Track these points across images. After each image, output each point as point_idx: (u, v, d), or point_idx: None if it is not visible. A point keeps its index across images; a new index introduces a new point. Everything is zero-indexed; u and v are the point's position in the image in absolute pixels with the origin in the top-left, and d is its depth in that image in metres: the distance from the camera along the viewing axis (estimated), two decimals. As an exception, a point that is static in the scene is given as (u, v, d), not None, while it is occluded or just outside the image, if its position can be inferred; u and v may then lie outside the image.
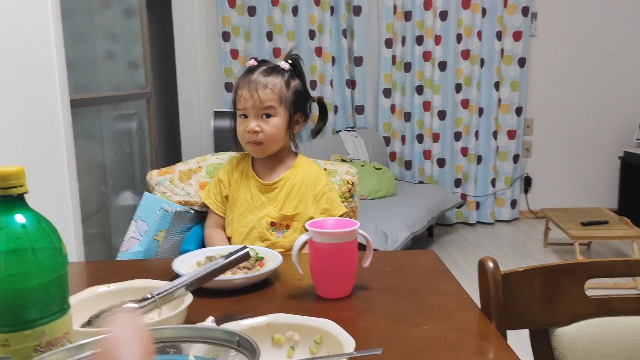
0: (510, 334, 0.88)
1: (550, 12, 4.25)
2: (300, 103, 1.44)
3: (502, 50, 4.16)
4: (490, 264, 0.87)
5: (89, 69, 2.37)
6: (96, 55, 2.48)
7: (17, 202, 0.58)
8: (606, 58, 4.31)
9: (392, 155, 4.35)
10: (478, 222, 4.34)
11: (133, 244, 1.39)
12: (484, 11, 4.10)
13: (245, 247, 0.91)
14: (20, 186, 0.58)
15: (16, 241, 0.57)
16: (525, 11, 4.11)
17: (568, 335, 0.89)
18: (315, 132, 1.51)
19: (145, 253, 1.37)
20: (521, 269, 0.90)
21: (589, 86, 4.35)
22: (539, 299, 0.89)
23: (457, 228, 4.26)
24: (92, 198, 2.28)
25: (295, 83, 1.43)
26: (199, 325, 0.62)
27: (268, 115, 1.38)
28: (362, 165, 3.71)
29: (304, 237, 0.96)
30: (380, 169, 3.75)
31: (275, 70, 1.41)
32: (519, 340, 0.98)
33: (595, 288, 0.92)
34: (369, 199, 3.58)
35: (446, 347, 0.79)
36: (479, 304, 0.91)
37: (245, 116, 1.40)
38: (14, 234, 0.57)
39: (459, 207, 4.05)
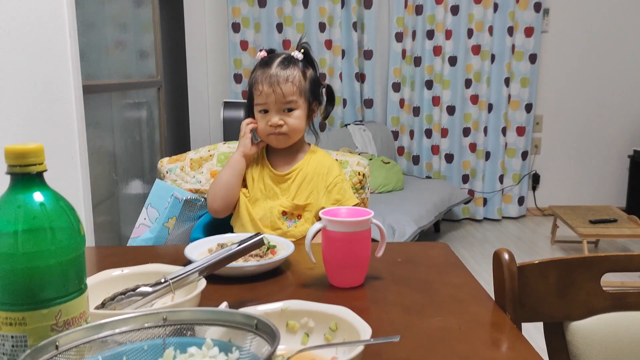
0: (524, 326, 0.88)
1: (563, 8, 4.22)
2: (315, 91, 1.44)
3: (513, 46, 4.13)
4: (506, 256, 0.87)
5: (99, 58, 2.37)
6: (107, 44, 2.48)
7: (36, 180, 0.58)
8: (618, 56, 4.27)
9: (400, 150, 4.33)
10: (485, 219, 4.33)
11: (143, 230, 1.39)
12: (495, 6, 4.07)
13: (259, 234, 0.91)
14: (39, 164, 0.57)
15: (34, 220, 0.57)
16: (537, 7, 4.08)
17: (583, 329, 0.88)
18: (324, 118, 1.51)
19: (156, 240, 1.37)
20: (536, 262, 0.89)
21: (599, 84, 4.31)
22: (554, 292, 0.89)
23: (463, 224, 4.25)
24: (102, 185, 2.28)
25: (310, 72, 1.43)
26: (218, 308, 0.61)
27: (290, 109, 1.38)
28: (370, 159, 3.70)
29: (318, 225, 0.96)
30: (389, 163, 3.74)
31: (291, 61, 1.40)
32: (533, 333, 0.98)
33: (603, 286, 0.91)
34: (376, 192, 3.57)
35: (460, 338, 0.78)
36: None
37: (266, 111, 1.39)
38: (32, 212, 0.57)
39: (466, 202, 4.04)
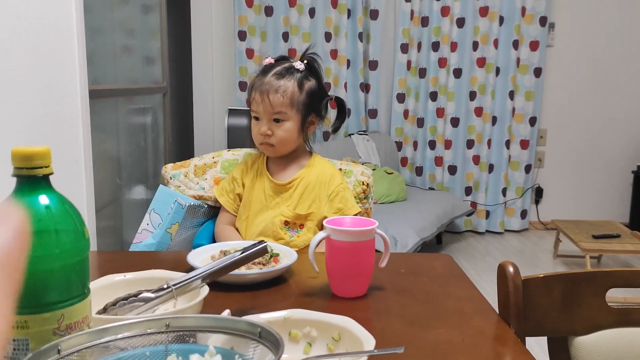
0: (528, 341, 0.87)
1: (568, 23, 4.23)
2: (315, 104, 1.41)
3: (518, 60, 4.14)
4: (511, 269, 0.86)
5: (106, 63, 2.38)
6: (114, 49, 2.49)
7: (42, 183, 0.57)
8: (622, 71, 4.27)
9: (404, 161, 4.33)
10: (487, 231, 4.32)
11: (146, 236, 1.39)
12: (501, 19, 4.08)
13: (263, 242, 0.91)
14: (45, 167, 0.57)
15: (39, 222, 0.56)
16: (542, 21, 4.09)
17: (587, 344, 0.87)
18: (333, 131, 1.50)
19: (158, 246, 1.36)
20: (541, 275, 0.88)
21: (604, 99, 4.31)
22: (559, 306, 0.88)
23: (465, 236, 4.23)
24: (106, 189, 2.28)
25: (309, 84, 1.40)
26: (222, 315, 0.61)
27: (279, 120, 1.37)
28: (374, 169, 3.69)
29: (322, 234, 0.95)
30: (392, 173, 3.73)
31: (289, 71, 1.38)
32: (536, 348, 0.97)
33: (608, 302, 0.90)
34: (379, 203, 3.57)
35: (464, 352, 0.77)
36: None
37: (258, 118, 1.39)
38: (38, 215, 0.56)
39: (468, 215, 4.03)
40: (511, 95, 4.16)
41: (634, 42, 4.24)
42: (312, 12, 4.09)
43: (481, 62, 4.12)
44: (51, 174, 0.58)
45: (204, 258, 1.08)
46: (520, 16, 4.07)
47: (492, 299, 0.91)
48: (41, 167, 0.57)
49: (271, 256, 1.07)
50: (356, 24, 4.12)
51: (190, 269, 0.95)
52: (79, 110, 1.64)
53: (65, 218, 0.58)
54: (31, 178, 0.57)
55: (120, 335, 0.55)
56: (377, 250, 0.99)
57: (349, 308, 0.92)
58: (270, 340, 0.53)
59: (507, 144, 4.22)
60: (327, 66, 4.12)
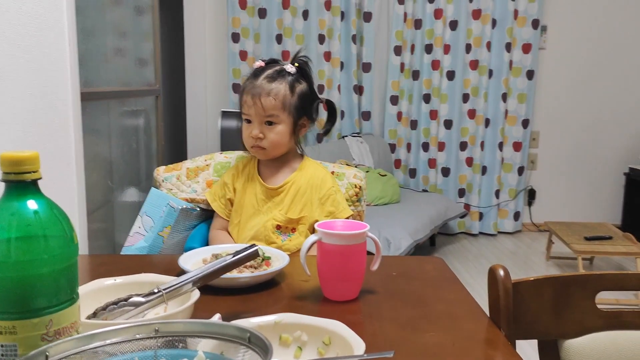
0: (519, 344, 0.87)
1: (560, 25, 4.25)
2: (306, 107, 1.41)
3: (510, 62, 4.16)
4: (501, 272, 0.87)
5: (99, 65, 2.37)
6: (107, 51, 2.48)
7: (30, 188, 0.57)
8: (614, 74, 4.30)
9: (397, 163, 4.34)
10: (480, 233, 4.33)
11: (138, 239, 1.38)
12: (494, 22, 4.10)
13: (254, 245, 0.91)
14: (34, 172, 0.57)
15: (28, 228, 0.56)
16: (535, 24, 4.11)
17: (577, 347, 0.88)
18: (324, 134, 1.50)
19: (150, 249, 1.36)
20: (531, 279, 0.89)
21: (596, 101, 4.34)
22: (549, 309, 0.88)
23: (459, 238, 4.25)
24: (98, 192, 2.27)
25: (301, 87, 1.40)
26: (211, 320, 0.61)
27: (271, 123, 1.37)
28: (367, 172, 3.70)
29: (313, 237, 0.96)
30: (385, 175, 3.74)
31: (280, 74, 1.38)
32: (528, 350, 0.97)
33: (598, 303, 0.90)
34: (372, 205, 3.57)
35: (454, 355, 0.77)
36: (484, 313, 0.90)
37: (250, 121, 1.39)
38: (26, 220, 0.56)
39: (462, 217, 4.04)
40: (504, 97, 4.17)
41: (626, 45, 4.27)
42: (305, 14, 4.09)
43: (474, 64, 4.14)
44: (39, 179, 0.58)
45: (195, 261, 1.08)
46: (513, 19, 4.09)
47: (485, 301, 0.91)
48: (29, 172, 0.57)
49: (263, 259, 1.07)
50: (350, 26, 4.13)
51: (182, 272, 0.95)
52: (71, 113, 1.63)
53: (53, 223, 0.57)
54: (19, 183, 0.57)
55: (108, 341, 0.55)
56: (370, 253, 1.00)
57: (341, 311, 0.92)
58: (259, 345, 0.53)
59: (500, 146, 4.24)
60: (320, 68, 4.13)
